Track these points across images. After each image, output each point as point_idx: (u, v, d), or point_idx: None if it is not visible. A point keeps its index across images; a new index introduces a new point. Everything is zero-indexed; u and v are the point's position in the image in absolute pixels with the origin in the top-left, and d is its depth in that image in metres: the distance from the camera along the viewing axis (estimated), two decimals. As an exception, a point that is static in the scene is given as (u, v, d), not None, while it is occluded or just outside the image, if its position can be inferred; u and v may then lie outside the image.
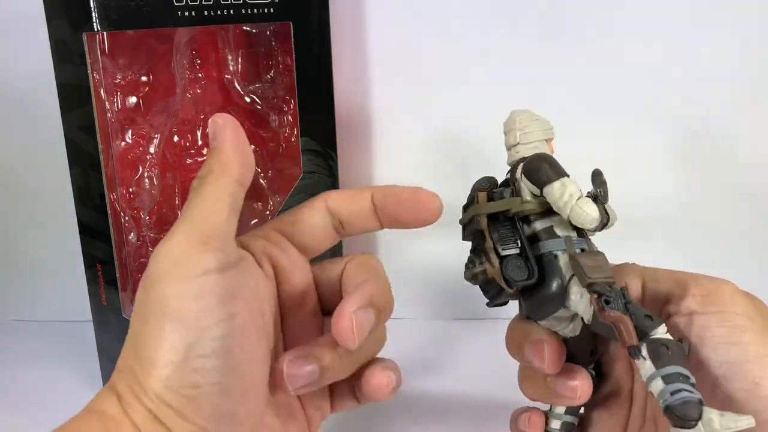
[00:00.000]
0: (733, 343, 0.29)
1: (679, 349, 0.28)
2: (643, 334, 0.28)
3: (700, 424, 0.25)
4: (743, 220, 0.60)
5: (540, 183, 0.32)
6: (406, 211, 0.35)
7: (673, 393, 0.26)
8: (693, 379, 0.27)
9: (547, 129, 0.35)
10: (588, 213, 0.31)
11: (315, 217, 0.35)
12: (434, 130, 0.60)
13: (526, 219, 0.34)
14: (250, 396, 0.30)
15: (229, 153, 0.32)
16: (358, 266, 0.35)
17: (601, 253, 0.32)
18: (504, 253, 0.33)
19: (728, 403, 0.28)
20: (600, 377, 0.37)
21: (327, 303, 0.36)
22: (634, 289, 0.33)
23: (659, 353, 0.27)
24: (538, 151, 0.34)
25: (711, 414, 0.26)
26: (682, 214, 0.59)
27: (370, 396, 0.35)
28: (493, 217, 0.34)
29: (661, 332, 0.28)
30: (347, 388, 0.36)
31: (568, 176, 0.32)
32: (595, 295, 0.29)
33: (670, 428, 0.27)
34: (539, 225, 0.33)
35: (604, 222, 0.32)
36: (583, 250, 0.32)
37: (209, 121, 0.33)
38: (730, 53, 0.57)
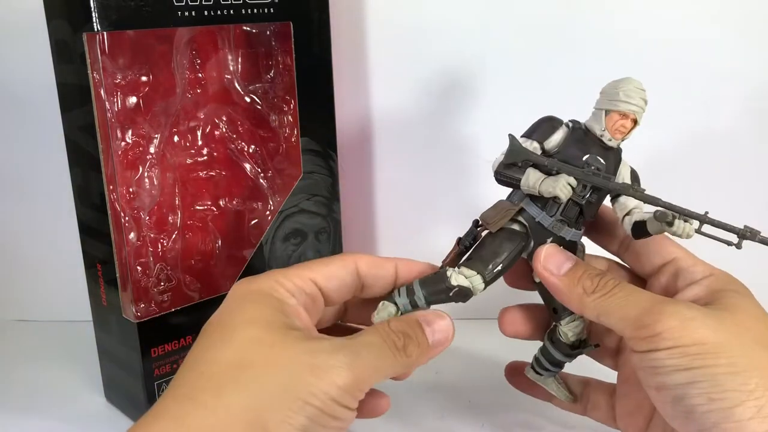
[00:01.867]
0: (684, 370, 0.32)
1: (437, 280, 0.38)
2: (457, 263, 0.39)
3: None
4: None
5: None
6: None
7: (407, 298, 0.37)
8: (418, 295, 0.37)
9: (614, 100, 0.37)
10: None
11: (347, 278, 0.37)
12: (434, 130, 0.60)
13: None
14: None
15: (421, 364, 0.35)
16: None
17: (508, 207, 0.39)
18: None
19: (690, 415, 0.32)
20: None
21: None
22: (592, 315, 0.37)
23: (429, 276, 0.38)
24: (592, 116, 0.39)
25: (389, 307, 0.37)
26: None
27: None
28: None
29: (455, 273, 0.37)
30: None
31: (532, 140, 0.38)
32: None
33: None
34: None
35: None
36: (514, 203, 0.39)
37: (445, 320, 0.36)
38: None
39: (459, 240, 0.40)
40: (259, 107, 0.51)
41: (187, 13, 0.44)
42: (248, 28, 0.49)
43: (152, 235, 0.47)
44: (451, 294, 0.37)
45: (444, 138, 0.60)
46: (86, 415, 0.51)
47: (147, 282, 0.47)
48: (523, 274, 0.42)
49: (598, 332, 0.43)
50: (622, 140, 0.38)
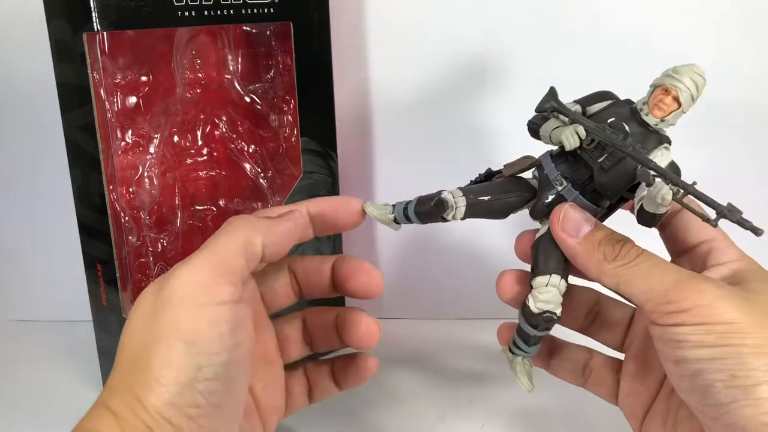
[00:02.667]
0: (709, 346, 0.31)
1: (431, 194, 0.38)
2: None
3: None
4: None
5: None
6: (339, 217, 0.39)
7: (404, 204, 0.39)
8: (411, 201, 0.39)
9: (663, 75, 0.36)
10: None
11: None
12: (434, 130, 0.60)
13: None
14: (237, 417, 0.33)
15: (287, 231, 0.36)
16: None
17: (529, 159, 0.39)
18: None
19: (708, 390, 0.31)
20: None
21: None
22: (610, 283, 0.35)
23: (423, 196, 0.39)
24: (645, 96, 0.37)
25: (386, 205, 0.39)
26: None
27: (359, 342, 0.40)
28: None
29: (447, 191, 0.38)
30: (327, 375, 0.42)
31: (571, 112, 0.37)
32: None
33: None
34: None
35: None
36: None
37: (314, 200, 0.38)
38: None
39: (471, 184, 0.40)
40: (259, 107, 0.51)
41: (187, 13, 0.44)
42: (248, 28, 0.49)
43: (152, 235, 0.47)
44: (432, 203, 0.38)
45: (445, 138, 0.60)
46: (86, 415, 0.51)
47: (147, 282, 0.47)
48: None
49: (605, 312, 0.43)
50: (662, 121, 0.35)
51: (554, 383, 0.44)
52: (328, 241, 0.55)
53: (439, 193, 0.38)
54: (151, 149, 0.46)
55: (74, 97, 0.44)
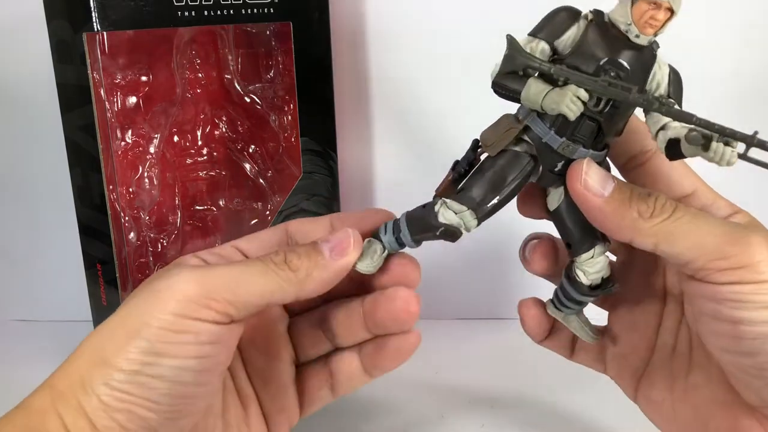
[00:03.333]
0: None
1: (424, 215, 0.33)
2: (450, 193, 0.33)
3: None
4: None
5: None
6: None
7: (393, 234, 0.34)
8: (404, 232, 0.33)
9: None
10: None
11: (272, 238, 0.36)
12: (434, 130, 0.60)
13: None
14: (179, 419, 0.31)
15: (324, 281, 0.32)
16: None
17: (513, 128, 0.32)
18: None
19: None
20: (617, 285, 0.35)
21: None
22: (647, 243, 0.31)
23: (417, 210, 0.34)
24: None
25: (374, 245, 0.34)
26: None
27: (396, 316, 0.35)
28: None
29: (444, 208, 0.32)
30: (355, 363, 0.38)
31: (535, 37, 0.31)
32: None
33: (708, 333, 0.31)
34: None
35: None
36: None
37: (343, 230, 0.33)
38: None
39: (455, 164, 0.34)
40: (259, 107, 0.51)
41: (187, 13, 0.44)
42: (248, 28, 0.49)
43: (152, 235, 0.47)
44: (437, 234, 0.32)
45: (445, 138, 0.60)
46: (86, 415, 0.51)
47: (147, 282, 0.47)
48: (536, 200, 0.35)
49: None
50: (655, 35, 0.30)
51: (554, 382, 0.44)
52: (328, 241, 0.55)
53: (435, 213, 0.33)
54: (151, 149, 0.46)
55: (74, 97, 0.44)
